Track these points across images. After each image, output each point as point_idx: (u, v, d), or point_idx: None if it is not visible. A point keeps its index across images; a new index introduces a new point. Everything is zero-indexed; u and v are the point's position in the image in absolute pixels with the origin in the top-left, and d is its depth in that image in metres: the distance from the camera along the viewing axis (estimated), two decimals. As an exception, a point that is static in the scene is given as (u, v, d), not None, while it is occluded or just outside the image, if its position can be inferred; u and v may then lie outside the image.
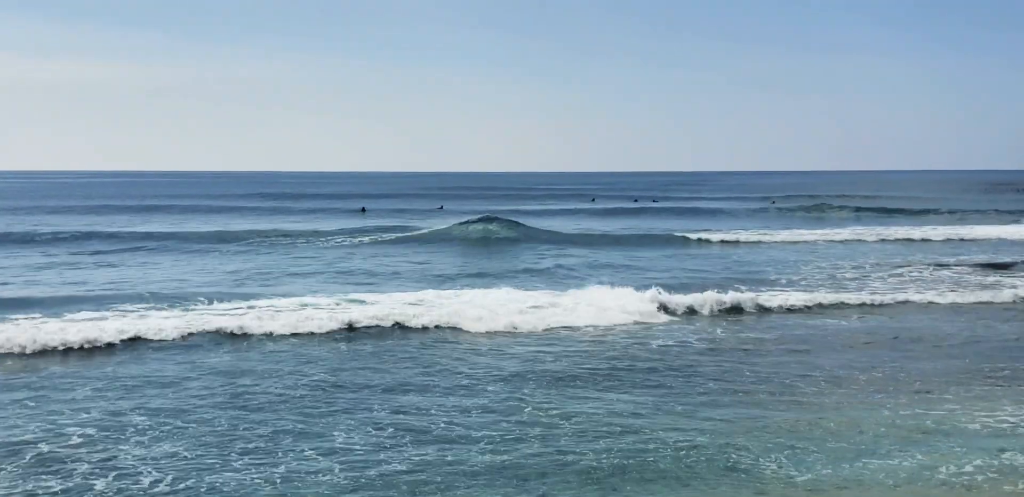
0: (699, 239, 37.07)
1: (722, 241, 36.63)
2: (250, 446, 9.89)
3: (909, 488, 8.80)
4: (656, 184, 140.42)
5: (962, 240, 37.75)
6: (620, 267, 27.43)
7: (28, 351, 14.52)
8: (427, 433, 10.43)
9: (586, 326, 17.36)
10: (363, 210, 63.57)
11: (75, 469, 9.19)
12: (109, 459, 9.47)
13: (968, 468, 9.29)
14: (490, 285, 22.65)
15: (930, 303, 20.56)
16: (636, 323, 17.85)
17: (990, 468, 9.27)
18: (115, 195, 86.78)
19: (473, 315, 17.51)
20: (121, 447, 9.85)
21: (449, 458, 9.57)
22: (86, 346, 14.91)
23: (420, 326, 17.06)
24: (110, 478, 8.93)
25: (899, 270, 26.39)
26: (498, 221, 40.50)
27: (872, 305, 20.18)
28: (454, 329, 16.97)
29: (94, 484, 8.81)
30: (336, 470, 9.21)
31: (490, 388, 12.59)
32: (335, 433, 10.41)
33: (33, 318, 16.83)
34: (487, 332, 16.74)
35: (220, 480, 8.90)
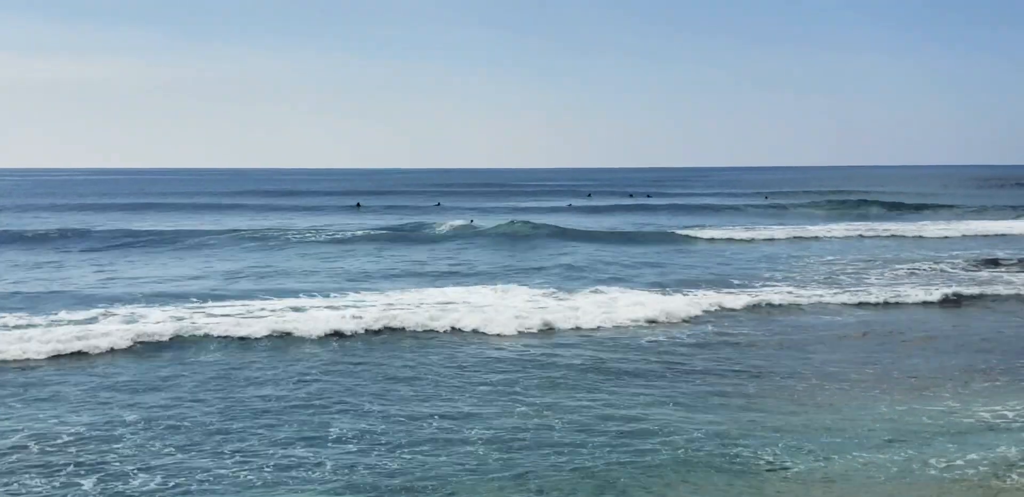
0: (687, 236, 36.88)
1: (711, 238, 36.52)
2: (243, 445, 9.82)
3: (899, 481, 8.81)
4: (649, 180, 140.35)
5: (963, 236, 37.50)
6: (624, 265, 27.35)
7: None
8: (421, 431, 10.38)
9: (590, 327, 16.91)
10: (358, 206, 63.53)
11: (63, 469, 9.12)
12: (97, 459, 9.40)
13: (959, 462, 9.28)
14: (488, 282, 22.63)
15: (926, 299, 20.43)
16: (648, 321, 17.48)
17: (981, 462, 9.26)
18: (110, 192, 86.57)
19: (478, 315, 17.22)
20: (110, 446, 9.78)
21: (442, 457, 9.52)
22: (77, 346, 14.60)
23: (419, 326, 16.60)
24: (96, 478, 8.87)
25: (899, 266, 26.31)
26: (524, 223, 40.07)
27: (872, 304, 19.97)
28: (455, 330, 16.56)
29: (81, 484, 8.76)
30: (328, 467, 9.18)
31: (484, 387, 12.55)
32: (329, 430, 10.36)
33: (18, 317, 16.76)
34: (494, 334, 16.31)
35: (210, 479, 8.85)
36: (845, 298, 20.31)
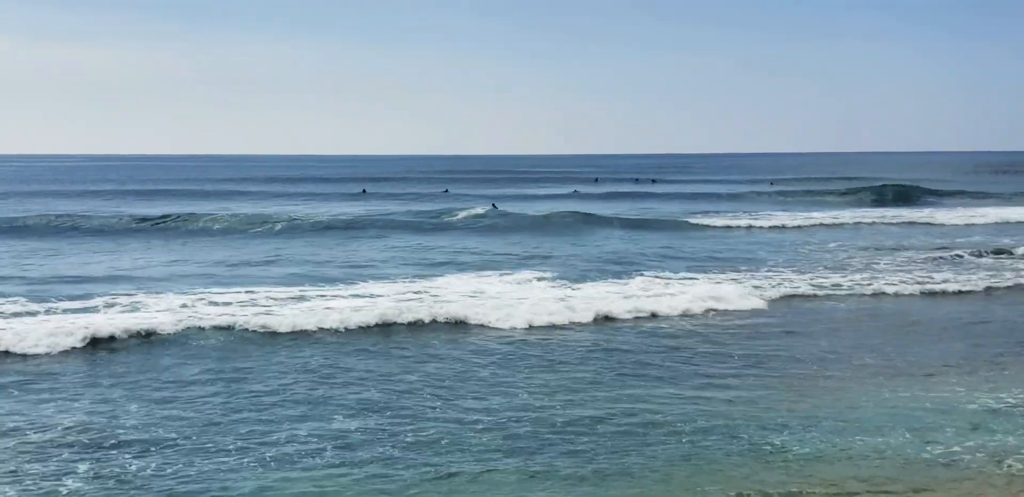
0: (688, 223, 36.74)
1: (709, 225, 36.30)
2: (243, 433, 9.80)
3: (896, 467, 8.84)
4: (653, 166, 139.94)
5: (968, 225, 37.11)
6: (624, 255, 27.33)
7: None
8: (423, 418, 10.38)
9: (585, 321, 16.56)
10: (364, 192, 63.51)
11: (59, 455, 9.15)
12: (96, 445, 9.43)
13: (956, 448, 9.28)
14: (481, 272, 22.62)
15: (936, 288, 20.12)
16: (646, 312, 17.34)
17: (978, 448, 9.25)
18: (115, 179, 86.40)
19: (480, 305, 16.91)
20: (108, 433, 9.80)
21: (445, 441, 9.53)
22: (75, 335, 14.30)
23: (429, 317, 16.14)
24: (92, 462, 8.90)
25: (908, 253, 26.12)
26: (572, 212, 39.46)
27: (882, 293, 19.69)
28: (461, 323, 16.04)
29: (77, 468, 8.80)
30: (328, 450, 9.21)
31: (485, 373, 12.58)
32: (334, 417, 10.37)
33: (15, 303, 16.80)
34: (495, 325, 15.90)
35: (208, 465, 8.85)
36: (855, 286, 20.08)
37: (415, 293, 18.50)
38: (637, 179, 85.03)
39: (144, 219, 36.76)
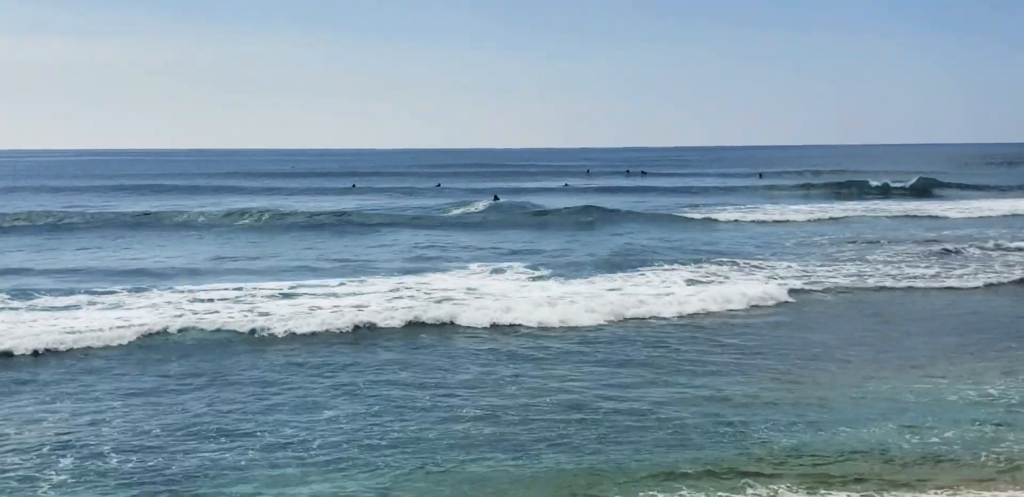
0: (678, 216, 36.84)
1: (702, 218, 36.30)
2: (228, 428, 9.80)
3: (874, 455, 8.94)
4: (648, 160, 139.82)
5: (968, 218, 36.87)
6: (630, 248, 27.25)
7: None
8: (412, 413, 10.40)
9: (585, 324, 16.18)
10: (353, 186, 63.37)
11: (40, 450, 9.16)
12: (77, 440, 9.43)
13: (934, 438, 9.37)
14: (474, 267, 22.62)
15: (930, 283, 19.94)
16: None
17: (957, 440, 9.31)
18: (105, 174, 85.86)
19: (475, 305, 16.70)
20: (92, 430, 9.81)
21: (432, 435, 9.57)
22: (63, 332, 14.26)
23: (418, 314, 15.86)
24: (74, 457, 8.91)
25: (904, 246, 26.07)
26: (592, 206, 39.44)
27: (876, 286, 19.56)
28: (452, 324, 15.66)
29: (59, 462, 8.81)
30: (315, 448, 9.22)
31: (474, 367, 12.62)
32: (321, 414, 10.37)
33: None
34: (483, 326, 15.55)
35: (190, 459, 8.86)
36: (850, 280, 20.00)
37: (407, 288, 18.44)
38: (628, 171, 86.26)
39: (129, 214, 36.52)
